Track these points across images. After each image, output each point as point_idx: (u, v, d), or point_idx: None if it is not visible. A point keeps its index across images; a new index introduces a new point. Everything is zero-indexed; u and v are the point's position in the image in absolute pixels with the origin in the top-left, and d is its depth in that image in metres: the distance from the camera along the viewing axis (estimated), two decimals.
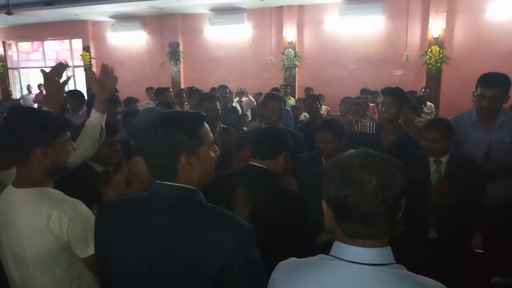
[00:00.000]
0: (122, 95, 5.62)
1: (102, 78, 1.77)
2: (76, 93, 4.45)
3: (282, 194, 1.77)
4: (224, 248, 0.99)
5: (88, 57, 10.77)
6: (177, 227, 1.03)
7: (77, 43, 11.16)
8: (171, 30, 9.84)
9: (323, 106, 5.86)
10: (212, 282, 1.00)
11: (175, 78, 10.04)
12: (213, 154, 1.16)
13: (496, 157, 2.44)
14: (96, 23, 10.81)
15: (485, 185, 2.32)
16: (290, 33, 8.76)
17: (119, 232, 1.10)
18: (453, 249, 2.22)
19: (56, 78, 1.80)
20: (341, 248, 0.91)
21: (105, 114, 1.81)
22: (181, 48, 9.89)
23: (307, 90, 7.56)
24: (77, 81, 11.59)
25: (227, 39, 9.55)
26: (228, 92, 5.86)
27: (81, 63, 10.96)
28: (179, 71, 10.03)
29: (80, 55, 10.95)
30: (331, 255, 0.92)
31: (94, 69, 10.85)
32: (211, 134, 1.16)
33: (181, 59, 9.94)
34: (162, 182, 1.08)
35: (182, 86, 9.44)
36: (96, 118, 1.78)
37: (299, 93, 8.71)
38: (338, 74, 8.62)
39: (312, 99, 3.78)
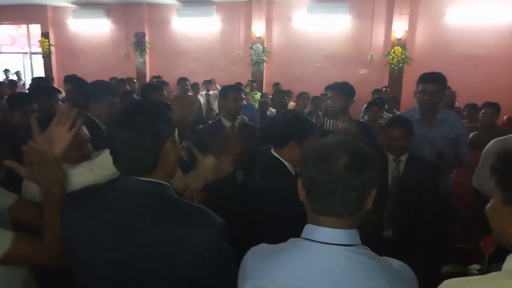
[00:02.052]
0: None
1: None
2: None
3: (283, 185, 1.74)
4: (198, 244, 0.96)
5: (47, 43, 10.25)
6: (148, 225, 0.99)
7: (35, 29, 10.58)
8: (136, 19, 9.55)
9: (290, 102, 5.92)
10: (185, 279, 0.98)
11: (140, 69, 9.77)
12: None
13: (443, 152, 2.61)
14: (56, 8, 10.29)
15: (439, 185, 2.47)
16: (258, 28, 8.76)
17: (82, 231, 1.04)
18: (407, 246, 2.29)
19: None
20: (311, 230, 0.94)
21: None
22: (147, 38, 9.63)
23: (276, 85, 7.60)
24: (35, 69, 11.02)
25: (195, 31, 9.41)
26: (189, 85, 5.78)
27: (39, 49, 10.42)
28: (145, 62, 9.77)
29: (39, 41, 10.39)
30: (302, 237, 0.95)
31: (53, 56, 10.36)
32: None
33: (147, 50, 9.69)
34: (131, 177, 1.03)
35: (148, 78, 9.22)
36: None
37: (266, 88, 8.74)
38: (305, 70, 8.73)
39: (280, 94, 3.81)
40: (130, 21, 9.64)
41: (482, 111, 4.07)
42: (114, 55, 10.01)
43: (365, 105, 6.44)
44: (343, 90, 2.76)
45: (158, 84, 3.22)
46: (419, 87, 2.72)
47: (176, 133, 1.13)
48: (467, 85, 7.15)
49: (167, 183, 1.08)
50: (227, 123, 2.82)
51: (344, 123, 2.49)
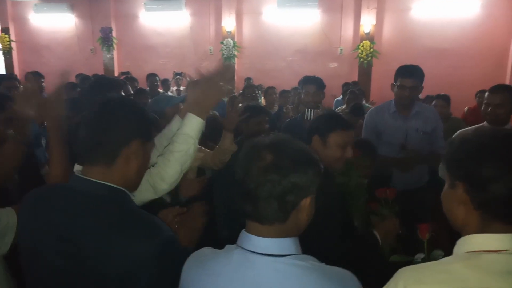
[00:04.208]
0: (49, 82, 5.20)
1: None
2: None
3: None
4: (134, 256, 0.90)
5: (8, 39, 9.76)
6: (88, 230, 0.93)
7: None
8: (103, 14, 9.25)
9: (262, 97, 5.92)
10: None
11: (108, 66, 9.49)
12: (149, 159, 1.09)
13: (412, 146, 2.65)
14: (16, 3, 9.81)
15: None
16: (229, 23, 8.69)
17: (28, 233, 1.00)
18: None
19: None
20: (243, 237, 0.91)
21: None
22: (114, 33, 9.36)
23: (247, 80, 7.58)
24: None
25: (164, 26, 9.22)
26: (159, 81, 5.67)
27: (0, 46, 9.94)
28: (113, 58, 9.50)
29: None
30: (236, 244, 0.91)
31: (14, 53, 9.89)
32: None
33: (115, 46, 9.42)
34: (82, 176, 0.98)
35: (116, 74, 8.97)
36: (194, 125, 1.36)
37: (238, 83, 8.71)
38: (277, 65, 8.75)
39: (250, 89, 3.80)
40: (96, 16, 9.33)
41: (433, 103, 4.30)
42: (80, 51, 9.67)
43: (337, 98, 6.56)
44: (320, 85, 2.79)
45: (117, 81, 3.12)
46: (397, 81, 2.68)
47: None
48: (432, 77, 7.30)
49: (124, 190, 1.01)
50: None
51: (325, 111, 2.53)
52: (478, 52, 7.77)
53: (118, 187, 1.00)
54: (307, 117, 2.55)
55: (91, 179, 0.98)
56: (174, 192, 1.75)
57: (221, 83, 1.40)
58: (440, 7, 7.74)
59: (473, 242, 0.85)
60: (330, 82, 5.72)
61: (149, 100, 3.33)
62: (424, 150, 2.65)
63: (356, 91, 5.68)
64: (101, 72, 8.60)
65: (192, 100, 1.42)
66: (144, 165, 1.06)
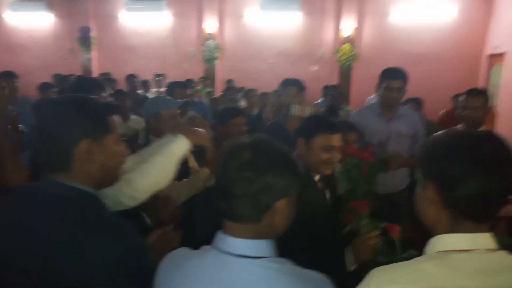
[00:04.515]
0: (25, 82, 5.06)
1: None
2: None
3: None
4: (97, 262, 0.88)
5: None
6: (50, 231, 0.91)
7: None
8: (82, 13, 9.06)
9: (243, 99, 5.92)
10: None
11: (86, 66, 9.30)
12: (120, 149, 1.06)
13: (394, 148, 2.69)
14: None
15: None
16: (211, 24, 8.66)
17: (3, 232, 0.97)
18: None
19: None
20: (219, 238, 0.90)
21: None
22: (93, 33, 9.19)
23: (228, 82, 7.57)
24: None
25: (145, 26, 9.12)
26: (138, 82, 5.62)
27: None
28: (91, 59, 9.32)
29: None
30: (212, 245, 0.91)
31: None
32: (121, 128, 1.07)
33: (94, 46, 9.25)
34: (55, 180, 0.96)
35: (95, 75, 8.80)
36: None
37: (219, 85, 8.68)
38: (258, 67, 8.77)
39: (230, 91, 3.79)
40: (74, 15, 9.13)
41: (405, 107, 4.43)
42: (58, 50, 9.45)
43: (317, 101, 6.63)
44: (300, 87, 2.82)
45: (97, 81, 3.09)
46: (383, 82, 2.70)
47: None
48: (410, 81, 7.53)
49: (93, 193, 0.99)
50: None
51: (310, 107, 2.54)
52: (454, 57, 8.01)
53: (87, 190, 0.98)
54: (292, 113, 2.57)
55: (61, 181, 0.96)
56: (155, 213, 1.70)
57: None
58: (417, 13, 7.94)
59: (443, 241, 0.87)
60: (311, 85, 5.78)
61: (128, 101, 3.29)
62: (404, 153, 2.69)
63: (336, 94, 5.76)
64: (79, 72, 8.43)
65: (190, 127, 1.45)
66: (110, 161, 1.02)
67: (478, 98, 2.57)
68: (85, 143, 0.96)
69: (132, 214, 1.44)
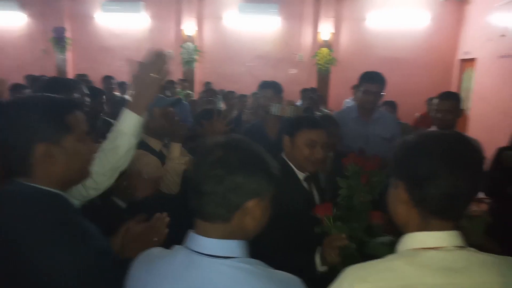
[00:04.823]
0: None
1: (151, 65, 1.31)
2: None
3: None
4: (62, 265, 0.87)
5: None
6: (28, 237, 0.89)
7: None
8: (56, 13, 8.85)
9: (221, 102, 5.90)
10: None
11: (61, 67, 9.08)
12: (85, 147, 1.03)
13: (372, 151, 2.73)
14: None
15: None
16: (189, 27, 8.62)
17: None
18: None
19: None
20: (190, 237, 0.90)
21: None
22: (68, 34, 8.98)
23: (207, 84, 7.54)
24: None
25: (122, 28, 8.98)
26: (115, 83, 5.52)
27: None
28: (66, 60, 9.10)
29: None
30: (183, 245, 0.90)
31: None
32: (85, 124, 1.03)
33: (68, 47, 9.04)
34: (19, 181, 0.93)
35: (70, 76, 8.60)
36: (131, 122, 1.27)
37: (198, 88, 8.64)
38: (237, 70, 8.78)
39: (209, 93, 3.77)
40: (48, 15, 8.90)
41: (380, 109, 4.54)
42: (31, 51, 9.18)
43: (296, 103, 6.67)
44: (277, 89, 2.83)
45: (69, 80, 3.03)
46: (362, 86, 2.72)
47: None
48: (387, 85, 7.72)
49: (54, 191, 0.96)
50: None
51: (291, 107, 2.55)
52: (427, 62, 8.24)
53: (53, 191, 0.96)
54: (273, 112, 2.58)
55: (27, 183, 0.94)
56: (128, 194, 1.67)
57: (152, 74, 1.32)
58: (392, 19, 8.15)
59: (413, 240, 0.89)
60: (289, 88, 5.82)
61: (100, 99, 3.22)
62: (383, 155, 2.73)
63: (315, 96, 5.82)
64: (53, 74, 8.21)
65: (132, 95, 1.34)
66: (73, 162, 0.98)
67: (450, 101, 2.64)
68: (40, 147, 0.92)
69: (104, 201, 1.43)
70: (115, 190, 1.57)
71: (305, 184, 1.77)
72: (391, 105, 4.74)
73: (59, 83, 1.91)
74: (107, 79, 5.37)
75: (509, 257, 0.88)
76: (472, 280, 0.82)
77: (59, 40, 8.88)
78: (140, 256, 0.96)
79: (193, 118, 4.72)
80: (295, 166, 1.74)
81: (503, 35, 5.99)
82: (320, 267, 1.47)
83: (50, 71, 8.35)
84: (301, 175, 1.76)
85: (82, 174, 1.04)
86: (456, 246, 0.86)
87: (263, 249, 1.43)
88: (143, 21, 8.88)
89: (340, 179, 1.74)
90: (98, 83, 6.12)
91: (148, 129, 2.02)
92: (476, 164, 0.86)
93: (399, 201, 0.91)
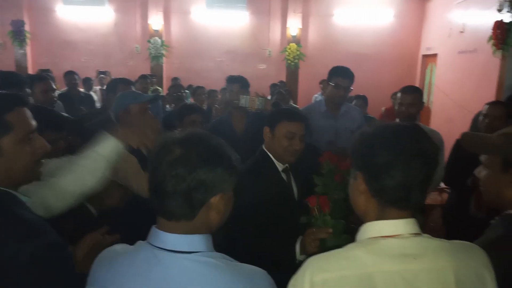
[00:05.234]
0: None
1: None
2: None
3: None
4: (9, 260, 0.85)
5: None
6: None
7: None
8: (14, 6, 8.40)
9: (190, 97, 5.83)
10: None
11: (20, 62, 8.65)
12: (28, 147, 0.98)
13: (341, 144, 2.79)
14: None
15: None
16: (156, 21, 8.44)
17: None
18: None
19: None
20: (152, 233, 0.88)
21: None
22: (27, 27, 8.57)
23: (174, 80, 7.43)
24: None
25: (86, 21, 8.67)
26: (78, 79, 5.33)
27: None
28: (26, 54, 8.70)
29: None
30: (146, 241, 0.89)
31: None
32: (30, 122, 0.98)
33: (28, 41, 8.63)
34: None
35: (30, 71, 8.23)
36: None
37: (167, 83, 8.49)
38: (206, 65, 8.69)
39: (176, 88, 3.72)
40: (6, 7, 8.45)
41: (353, 103, 4.66)
42: None
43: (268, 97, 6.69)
44: (243, 83, 2.83)
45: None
46: (332, 80, 2.77)
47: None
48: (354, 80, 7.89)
49: (10, 191, 0.94)
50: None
51: (259, 98, 2.56)
52: (392, 57, 8.49)
53: (3, 188, 0.93)
54: (242, 104, 2.58)
55: None
56: (99, 202, 1.65)
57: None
58: (358, 15, 8.31)
59: (372, 228, 0.91)
60: (259, 83, 5.84)
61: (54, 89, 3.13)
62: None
63: (284, 91, 5.86)
64: (12, 68, 7.83)
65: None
66: (14, 163, 0.95)
67: (412, 95, 2.73)
68: None
69: (77, 206, 1.40)
70: (89, 196, 1.56)
71: (283, 175, 1.83)
72: (363, 99, 4.84)
73: (7, 78, 1.82)
74: (70, 74, 5.16)
75: (462, 242, 0.92)
76: (427, 265, 0.85)
77: (17, 34, 8.45)
78: (102, 254, 0.94)
79: (173, 113, 4.65)
80: (275, 157, 1.81)
81: (462, 31, 6.26)
82: (299, 256, 1.51)
83: (8, 66, 7.94)
84: (280, 166, 1.82)
85: (28, 175, 1.00)
86: (412, 234, 0.89)
87: (241, 237, 1.45)
88: (108, 14, 8.61)
89: (316, 176, 1.82)
90: (61, 79, 5.90)
91: (123, 125, 1.99)
92: (429, 154, 0.89)
93: (358, 192, 0.94)
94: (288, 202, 1.82)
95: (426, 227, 2.94)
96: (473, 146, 1.24)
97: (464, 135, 1.29)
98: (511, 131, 1.16)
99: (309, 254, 1.42)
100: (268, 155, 1.81)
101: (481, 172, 1.20)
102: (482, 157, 1.20)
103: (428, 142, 0.90)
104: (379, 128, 0.93)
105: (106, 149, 1.27)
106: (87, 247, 1.19)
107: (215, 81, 7.47)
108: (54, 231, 0.93)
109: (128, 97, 2.16)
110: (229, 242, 1.49)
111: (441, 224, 3.14)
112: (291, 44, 8.28)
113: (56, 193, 1.18)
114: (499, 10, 4.88)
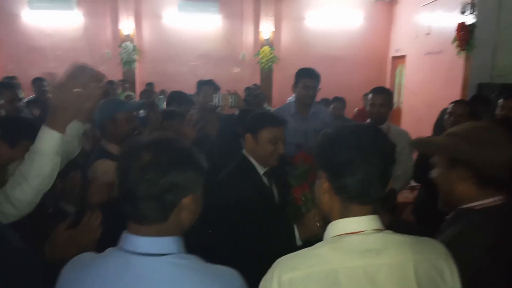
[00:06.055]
0: None
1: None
2: None
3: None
4: None
5: None
6: None
7: None
8: None
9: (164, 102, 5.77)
10: None
11: None
12: None
13: (310, 145, 2.83)
14: None
15: None
16: (127, 25, 8.32)
17: None
18: None
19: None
20: (123, 238, 0.89)
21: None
22: None
23: (149, 85, 7.33)
24: None
25: (53, 26, 8.44)
26: (46, 86, 5.19)
27: None
28: None
29: None
30: (116, 246, 0.89)
31: None
32: None
33: None
34: None
35: None
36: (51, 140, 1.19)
37: (140, 88, 8.37)
38: (179, 70, 8.63)
39: (147, 94, 3.69)
40: None
41: (332, 105, 4.68)
42: None
43: None
44: (215, 86, 2.86)
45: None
46: (300, 82, 2.82)
47: None
48: (326, 82, 7.91)
49: None
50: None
51: (232, 96, 2.59)
52: (363, 59, 8.68)
53: None
54: (215, 103, 2.60)
55: None
56: (80, 200, 1.63)
57: (76, 90, 1.25)
58: (329, 18, 8.47)
59: (337, 226, 0.94)
60: (233, 86, 5.77)
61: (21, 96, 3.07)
62: None
63: (258, 94, 5.89)
64: None
65: (50, 111, 1.24)
66: None
67: (382, 96, 2.81)
68: None
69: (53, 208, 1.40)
70: (63, 195, 1.58)
71: (264, 179, 1.88)
72: (341, 101, 4.89)
73: None
74: (38, 81, 5.01)
75: (422, 237, 0.96)
76: (389, 259, 0.88)
77: None
78: (70, 263, 0.93)
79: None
80: (257, 162, 1.86)
81: (428, 33, 6.47)
82: (298, 241, 1.58)
83: None
84: (261, 170, 1.87)
85: None
86: (375, 230, 0.91)
87: (230, 239, 1.46)
88: (76, 19, 8.41)
89: (291, 177, 1.86)
90: (28, 86, 5.71)
91: (108, 134, 1.97)
92: (386, 151, 0.93)
93: (323, 190, 0.96)
94: (271, 204, 1.88)
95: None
96: (424, 149, 1.30)
97: (415, 141, 1.36)
98: (454, 131, 1.22)
99: (313, 235, 1.49)
100: (249, 159, 1.85)
101: (434, 172, 1.25)
102: (433, 158, 1.25)
103: (385, 140, 0.94)
104: (339, 129, 0.96)
105: (47, 143, 1.19)
106: (61, 238, 1.16)
107: (189, 86, 7.39)
108: (16, 236, 0.91)
109: (113, 105, 2.06)
110: (204, 246, 1.50)
111: (413, 220, 3.22)
112: (264, 47, 8.34)
113: (13, 204, 1.15)
114: (462, 12, 5.08)
